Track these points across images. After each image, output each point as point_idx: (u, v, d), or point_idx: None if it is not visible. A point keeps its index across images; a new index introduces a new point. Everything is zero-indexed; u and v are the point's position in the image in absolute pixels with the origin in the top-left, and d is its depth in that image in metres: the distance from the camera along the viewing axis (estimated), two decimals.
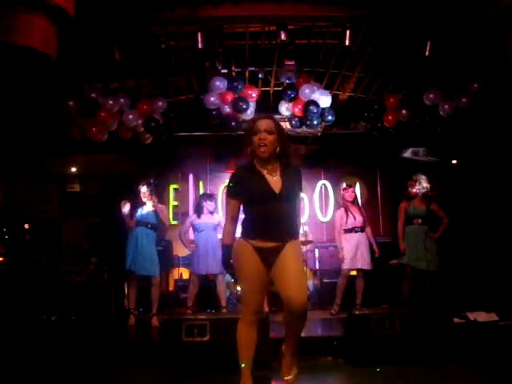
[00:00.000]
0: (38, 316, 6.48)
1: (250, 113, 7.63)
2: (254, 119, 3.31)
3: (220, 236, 7.05)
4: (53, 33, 4.38)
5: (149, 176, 8.77)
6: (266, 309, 6.31)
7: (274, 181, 3.17)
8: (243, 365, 3.23)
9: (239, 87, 7.46)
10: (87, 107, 7.08)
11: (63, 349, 4.96)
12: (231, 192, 3.26)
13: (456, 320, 5.26)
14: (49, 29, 4.39)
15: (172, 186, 9.30)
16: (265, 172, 3.19)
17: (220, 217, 7.26)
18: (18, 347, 4.96)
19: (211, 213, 6.90)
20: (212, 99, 7.53)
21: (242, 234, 3.27)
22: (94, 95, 7.21)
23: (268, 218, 3.12)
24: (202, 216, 6.84)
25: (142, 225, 6.50)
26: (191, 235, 7.17)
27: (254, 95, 7.61)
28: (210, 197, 7.06)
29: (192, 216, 7.09)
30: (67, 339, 5.39)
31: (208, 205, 6.86)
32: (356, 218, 6.85)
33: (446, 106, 7.38)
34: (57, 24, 4.43)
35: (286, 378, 3.30)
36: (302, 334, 4.87)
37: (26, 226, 7.81)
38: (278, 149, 3.20)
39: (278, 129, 3.21)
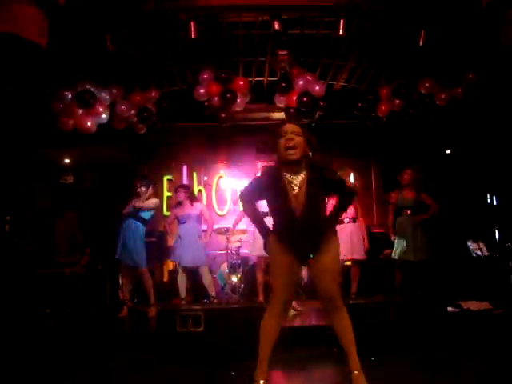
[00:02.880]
0: (32, 308, 6.47)
1: (239, 103, 7.59)
2: (279, 124, 3.26)
3: (204, 227, 7.09)
4: (43, 22, 4.34)
5: (142, 167, 8.79)
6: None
7: (298, 196, 3.12)
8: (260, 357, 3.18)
9: (227, 78, 7.41)
10: (84, 98, 7.04)
11: (58, 340, 4.96)
12: (248, 194, 3.30)
13: (450, 309, 5.30)
14: (39, 18, 4.34)
15: (166, 177, 9.27)
16: (289, 182, 3.14)
17: (202, 206, 7.27)
18: (13, 339, 4.96)
19: (192, 203, 6.92)
20: (201, 91, 7.50)
21: (274, 233, 3.27)
22: (88, 86, 7.16)
23: (292, 235, 3.15)
24: (182, 207, 6.86)
25: (132, 216, 6.52)
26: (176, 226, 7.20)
27: (243, 86, 7.56)
28: (179, 187, 7.10)
29: (176, 208, 7.10)
30: (62, 331, 5.39)
31: (177, 195, 6.93)
32: (347, 210, 6.84)
33: (443, 96, 7.38)
34: (47, 13, 4.38)
35: (355, 372, 3.13)
36: (296, 323, 4.89)
37: (8, 217, 7.78)
38: (306, 154, 3.17)
39: (304, 132, 3.18)
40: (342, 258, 6.66)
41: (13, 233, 7.71)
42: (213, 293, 6.79)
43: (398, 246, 6.65)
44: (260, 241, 6.21)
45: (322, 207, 3.28)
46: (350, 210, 6.84)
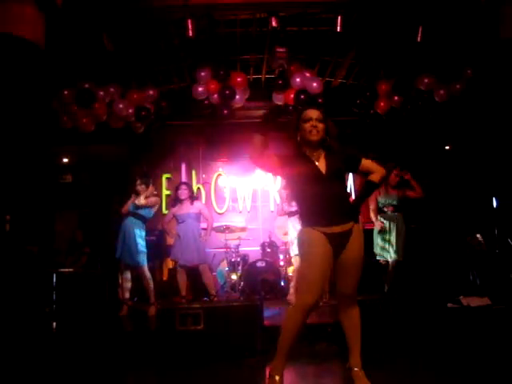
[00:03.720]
0: (31, 307, 6.48)
1: (238, 100, 7.58)
2: (302, 109, 3.45)
3: (203, 225, 7.10)
4: (40, 21, 4.33)
5: (141, 166, 8.78)
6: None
7: (320, 164, 3.27)
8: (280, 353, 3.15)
9: (225, 75, 7.41)
10: (83, 98, 7.05)
11: (57, 339, 4.96)
12: (279, 155, 3.35)
13: (450, 305, 5.30)
14: (37, 17, 4.34)
15: (164, 176, 9.26)
16: (311, 156, 3.30)
17: (201, 204, 7.26)
18: (12, 338, 4.96)
19: (191, 202, 6.90)
20: (200, 89, 7.50)
21: (306, 223, 3.27)
22: (86, 86, 7.16)
23: (322, 200, 3.19)
24: (180, 206, 6.85)
25: (132, 215, 6.51)
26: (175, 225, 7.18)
27: (241, 82, 7.56)
28: (184, 184, 7.08)
29: (174, 207, 7.08)
30: (61, 330, 5.39)
31: (179, 193, 6.90)
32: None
33: (441, 92, 7.38)
34: (44, 12, 4.37)
35: (355, 369, 3.17)
36: None
37: (8, 216, 7.76)
38: (324, 138, 3.32)
39: (325, 119, 3.34)
40: None
41: (13, 232, 7.70)
42: (213, 291, 6.78)
43: (378, 244, 6.66)
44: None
45: (342, 180, 3.39)
46: None
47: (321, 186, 3.19)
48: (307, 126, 3.27)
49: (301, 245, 3.29)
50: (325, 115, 3.34)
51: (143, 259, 6.47)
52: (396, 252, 6.51)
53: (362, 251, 3.25)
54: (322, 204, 3.17)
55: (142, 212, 6.56)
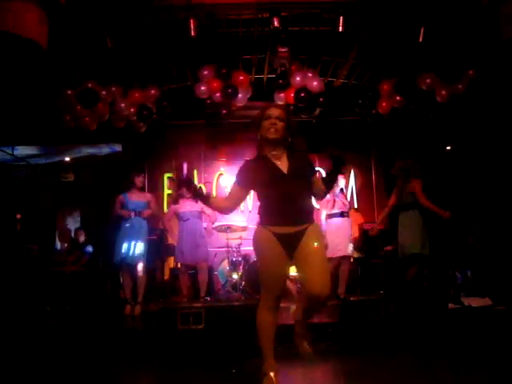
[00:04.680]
0: (33, 306, 6.49)
1: (240, 99, 7.59)
2: (266, 107, 3.43)
3: (205, 225, 7.10)
4: (43, 20, 4.33)
5: (142, 165, 8.79)
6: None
7: (281, 164, 3.28)
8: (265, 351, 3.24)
9: (227, 74, 7.42)
10: (88, 98, 7.06)
11: (59, 338, 4.97)
12: (237, 179, 3.40)
13: (451, 305, 5.31)
14: (40, 17, 4.34)
15: (166, 175, 9.27)
16: (272, 157, 3.30)
17: None
18: (14, 337, 4.96)
19: (196, 200, 6.90)
20: (202, 88, 7.51)
21: (261, 221, 3.33)
22: (90, 85, 7.18)
23: (281, 200, 3.20)
24: (183, 203, 6.84)
25: (138, 215, 6.49)
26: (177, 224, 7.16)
27: (243, 81, 7.56)
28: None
29: (176, 204, 7.06)
30: (63, 329, 5.40)
31: (186, 192, 6.89)
32: (336, 204, 6.75)
33: (443, 92, 7.38)
34: (47, 11, 4.38)
35: (307, 353, 3.32)
36: None
37: (18, 215, 7.77)
38: (286, 138, 3.33)
39: (287, 118, 3.34)
40: (328, 255, 6.10)
41: (22, 232, 7.73)
42: (203, 293, 6.74)
43: (407, 241, 6.23)
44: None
45: (305, 179, 3.33)
46: (339, 204, 6.74)
47: (281, 185, 3.20)
48: (266, 123, 3.29)
49: (253, 244, 3.35)
50: (287, 114, 3.36)
51: (144, 256, 6.48)
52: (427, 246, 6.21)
53: (319, 247, 3.18)
54: (279, 203, 3.20)
55: (142, 209, 6.54)
